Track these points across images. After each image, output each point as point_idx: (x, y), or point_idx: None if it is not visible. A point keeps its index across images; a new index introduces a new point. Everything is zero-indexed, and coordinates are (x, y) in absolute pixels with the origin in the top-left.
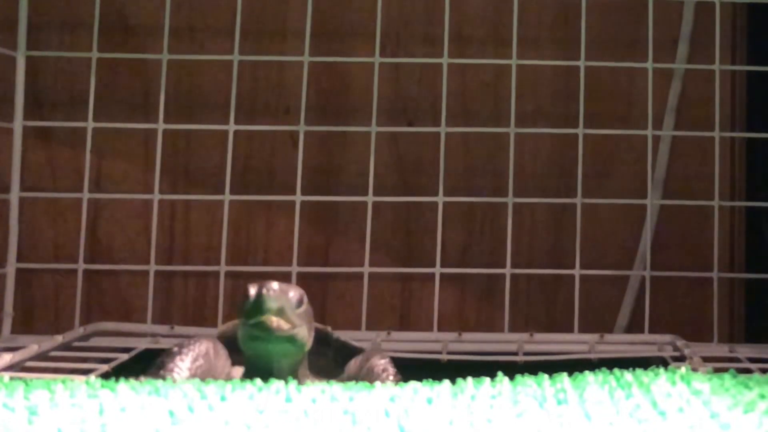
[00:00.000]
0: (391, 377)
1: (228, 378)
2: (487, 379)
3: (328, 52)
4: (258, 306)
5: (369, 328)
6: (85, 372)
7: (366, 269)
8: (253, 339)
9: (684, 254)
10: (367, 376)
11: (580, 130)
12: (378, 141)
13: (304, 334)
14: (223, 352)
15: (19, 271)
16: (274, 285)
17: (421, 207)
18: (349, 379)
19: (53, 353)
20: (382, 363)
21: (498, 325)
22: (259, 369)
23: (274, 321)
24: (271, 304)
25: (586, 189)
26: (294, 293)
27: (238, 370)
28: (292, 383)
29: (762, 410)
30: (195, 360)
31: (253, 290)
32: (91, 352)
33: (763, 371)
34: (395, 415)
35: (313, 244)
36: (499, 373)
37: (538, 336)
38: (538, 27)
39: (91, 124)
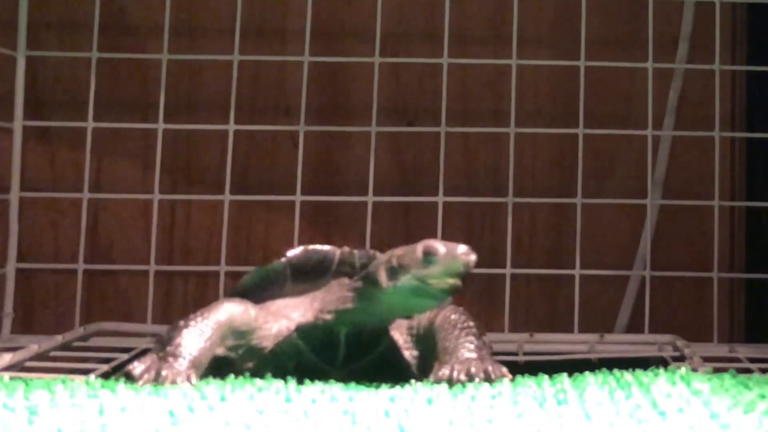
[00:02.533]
0: (473, 339)
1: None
2: None
3: (328, 52)
4: (449, 268)
5: None
6: (85, 372)
7: None
8: (422, 296)
9: (684, 254)
10: (443, 328)
11: (580, 130)
12: (378, 141)
13: None
14: (256, 310)
15: (19, 271)
16: (464, 248)
17: (421, 207)
18: (421, 328)
19: (53, 353)
20: (456, 317)
21: (498, 325)
22: (367, 311)
23: (457, 288)
24: (463, 269)
25: (586, 189)
26: (474, 255)
27: (295, 307)
28: (291, 383)
29: (762, 410)
30: (203, 335)
31: (442, 249)
32: (91, 352)
33: (763, 371)
34: (395, 415)
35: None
36: None
37: (538, 336)
38: (538, 27)
39: (91, 124)
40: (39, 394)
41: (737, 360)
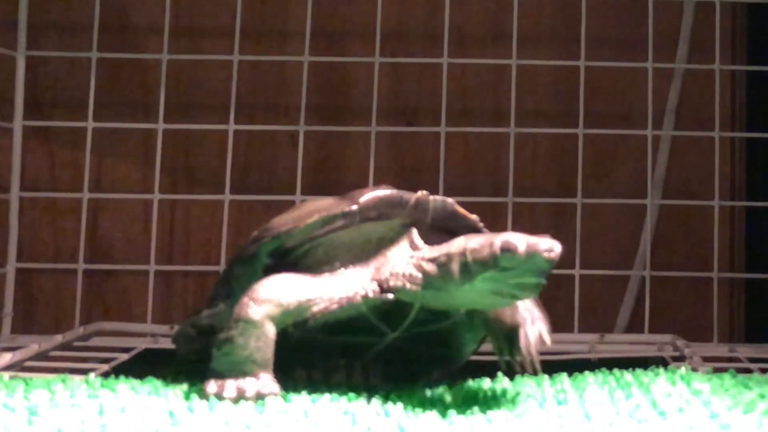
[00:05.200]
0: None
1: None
2: (487, 379)
3: (328, 52)
4: (531, 267)
5: None
6: (85, 372)
7: None
8: (500, 295)
9: (684, 254)
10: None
11: (580, 130)
12: (378, 141)
13: None
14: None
15: (19, 271)
16: (547, 244)
17: None
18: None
19: (53, 353)
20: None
21: None
22: (438, 299)
23: (540, 286)
24: (546, 266)
25: (586, 189)
26: (558, 248)
27: (359, 268)
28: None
29: (762, 410)
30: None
31: (523, 245)
32: (91, 352)
33: (763, 371)
34: (395, 415)
35: None
36: (499, 374)
37: None
38: (538, 27)
39: (91, 124)
40: (39, 393)
41: (737, 360)
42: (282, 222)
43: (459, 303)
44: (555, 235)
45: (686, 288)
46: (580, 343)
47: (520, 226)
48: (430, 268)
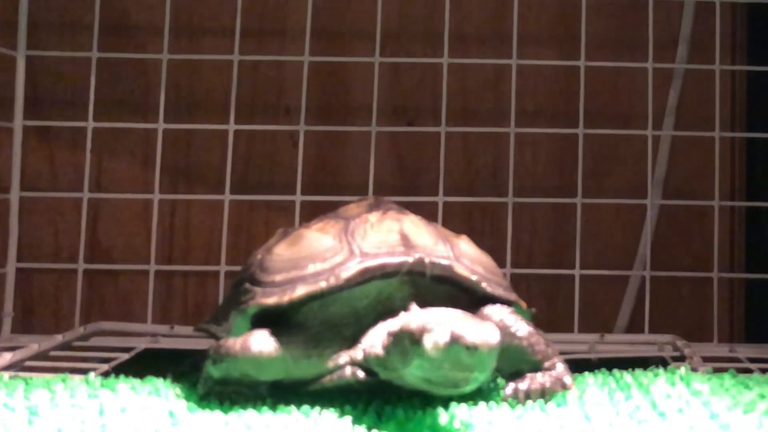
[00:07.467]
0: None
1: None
2: None
3: (328, 52)
4: (454, 362)
5: None
6: (85, 372)
7: None
8: (430, 385)
9: (684, 254)
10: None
11: (580, 130)
12: (378, 141)
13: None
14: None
15: (19, 271)
16: (478, 337)
17: (421, 207)
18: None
19: (53, 353)
20: (527, 335)
21: None
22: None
23: (470, 380)
24: (472, 364)
25: (586, 189)
26: (494, 339)
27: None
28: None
29: (762, 410)
30: None
31: (445, 337)
32: (91, 352)
33: (763, 371)
34: (395, 417)
35: None
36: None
37: None
38: (538, 27)
39: (91, 124)
40: (39, 393)
41: (737, 360)
42: (276, 265)
43: (411, 384)
44: (555, 235)
45: (686, 288)
46: (580, 343)
47: (520, 226)
48: (378, 355)
